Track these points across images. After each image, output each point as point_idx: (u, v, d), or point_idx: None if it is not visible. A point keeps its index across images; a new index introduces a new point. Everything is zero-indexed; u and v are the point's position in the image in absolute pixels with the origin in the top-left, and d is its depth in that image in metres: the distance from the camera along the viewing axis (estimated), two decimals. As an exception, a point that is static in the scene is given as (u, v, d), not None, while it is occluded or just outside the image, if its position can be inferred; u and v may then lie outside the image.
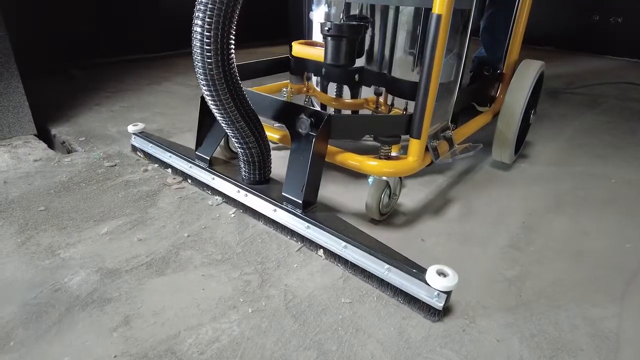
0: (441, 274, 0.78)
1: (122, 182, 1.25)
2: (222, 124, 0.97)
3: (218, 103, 0.91)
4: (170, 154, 1.28)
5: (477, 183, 1.35)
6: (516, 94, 1.35)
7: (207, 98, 0.91)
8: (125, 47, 2.83)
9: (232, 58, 0.88)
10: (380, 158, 1.07)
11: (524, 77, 1.37)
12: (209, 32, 0.81)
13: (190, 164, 1.22)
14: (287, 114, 1.04)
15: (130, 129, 1.39)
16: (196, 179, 1.21)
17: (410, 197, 1.23)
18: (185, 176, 1.25)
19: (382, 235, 1.05)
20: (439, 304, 0.77)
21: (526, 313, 0.83)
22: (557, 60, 3.40)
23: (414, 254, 0.98)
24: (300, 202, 0.97)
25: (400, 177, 1.11)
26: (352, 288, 0.87)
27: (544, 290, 0.89)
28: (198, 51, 0.83)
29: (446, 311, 0.81)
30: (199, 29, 0.81)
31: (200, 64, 0.85)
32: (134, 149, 1.43)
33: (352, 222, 1.03)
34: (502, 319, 0.81)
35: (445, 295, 0.77)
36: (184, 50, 3.06)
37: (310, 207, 0.99)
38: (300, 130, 0.99)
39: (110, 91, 2.16)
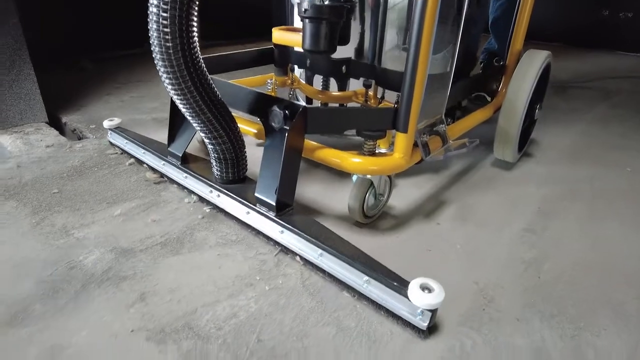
0: (425, 288, 0.68)
1: (134, 166, 1.25)
2: (187, 116, 0.89)
3: (179, 91, 0.82)
4: (144, 151, 1.23)
5: (485, 178, 1.30)
6: (519, 87, 1.24)
7: (168, 87, 0.82)
8: (134, 40, 2.83)
9: (195, 42, 0.79)
10: (364, 154, 0.97)
11: (528, 68, 1.26)
12: (166, 13, 0.73)
13: (163, 162, 1.16)
14: (260, 106, 0.94)
15: (106, 124, 1.34)
16: (169, 177, 1.15)
17: (405, 196, 1.17)
18: (161, 173, 1.19)
19: (390, 223, 1.04)
20: (423, 323, 0.69)
21: (545, 294, 0.82)
22: (565, 56, 3.37)
23: (429, 238, 0.98)
24: (274, 204, 0.88)
25: (389, 176, 1.01)
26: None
27: (563, 273, 0.88)
28: (155, 34, 0.75)
29: (431, 330, 0.71)
30: (154, 9, 0.74)
31: (157, 49, 0.77)
32: (112, 144, 1.39)
33: (338, 225, 1.00)
34: (522, 299, 0.80)
35: (430, 314, 0.68)
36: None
37: (285, 210, 0.90)
38: (273, 123, 0.89)
39: (121, 82, 2.16)
